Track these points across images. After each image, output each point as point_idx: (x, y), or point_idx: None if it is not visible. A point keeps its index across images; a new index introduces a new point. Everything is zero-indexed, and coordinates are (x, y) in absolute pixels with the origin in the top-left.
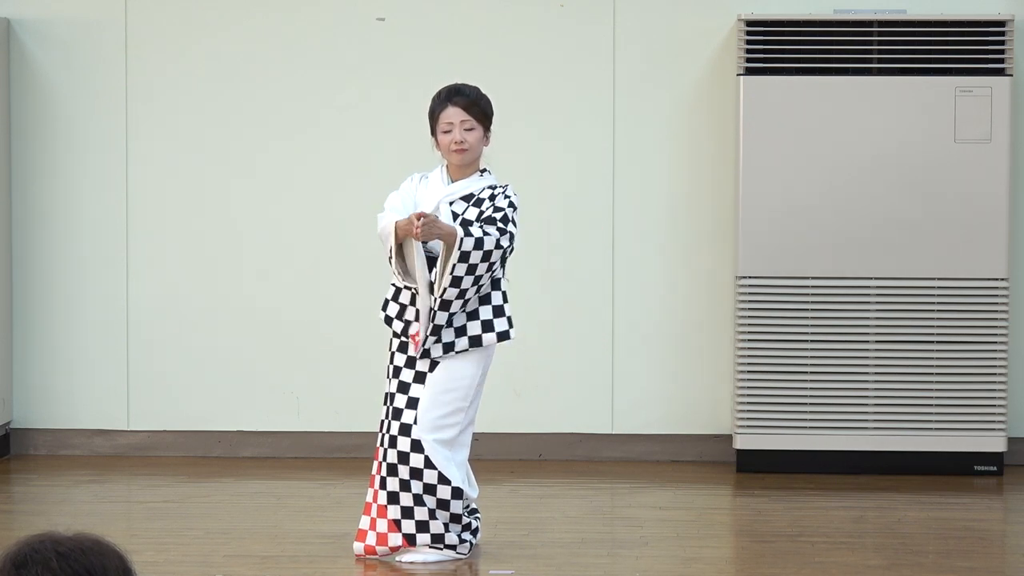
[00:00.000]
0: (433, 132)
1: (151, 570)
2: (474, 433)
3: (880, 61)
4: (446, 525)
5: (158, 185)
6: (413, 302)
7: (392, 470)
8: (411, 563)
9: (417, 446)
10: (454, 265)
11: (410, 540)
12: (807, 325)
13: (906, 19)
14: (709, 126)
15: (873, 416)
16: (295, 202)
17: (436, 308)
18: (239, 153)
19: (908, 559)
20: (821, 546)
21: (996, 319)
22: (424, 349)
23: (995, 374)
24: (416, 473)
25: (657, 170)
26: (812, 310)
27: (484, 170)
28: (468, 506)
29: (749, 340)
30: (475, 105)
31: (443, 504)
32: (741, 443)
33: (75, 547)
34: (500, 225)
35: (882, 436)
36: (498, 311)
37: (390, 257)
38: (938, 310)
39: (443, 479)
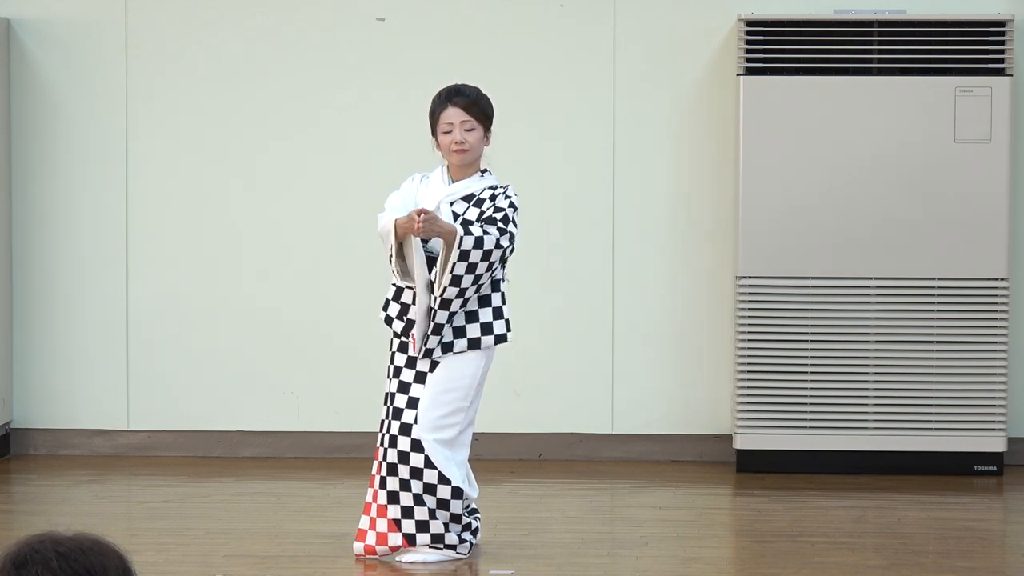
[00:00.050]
0: (433, 132)
1: (151, 570)
2: (474, 433)
3: (880, 61)
4: (446, 525)
5: (158, 185)
6: (415, 302)
7: (392, 470)
8: (411, 563)
9: (417, 446)
10: (454, 264)
11: (410, 540)
12: (807, 325)
13: (906, 19)
14: (709, 126)
15: (873, 416)
16: (295, 202)
17: (436, 307)
18: (239, 153)
19: (908, 559)
20: (821, 546)
21: (996, 319)
22: (426, 348)
23: (995, 374)
24: (416, 473)
25: (657, 170)
26: (812, 310)
27: (485, 170)
28: (468, 506)
29: (749, 340)
30: (475, 105)
31: (443, 504)
32: (741, 443)
33: (75, 547)
34: (500, 225)
35: (882, 436)
36: (497, 313)
37: (390, 256)
38: (938, 310)
39: (443, 479)
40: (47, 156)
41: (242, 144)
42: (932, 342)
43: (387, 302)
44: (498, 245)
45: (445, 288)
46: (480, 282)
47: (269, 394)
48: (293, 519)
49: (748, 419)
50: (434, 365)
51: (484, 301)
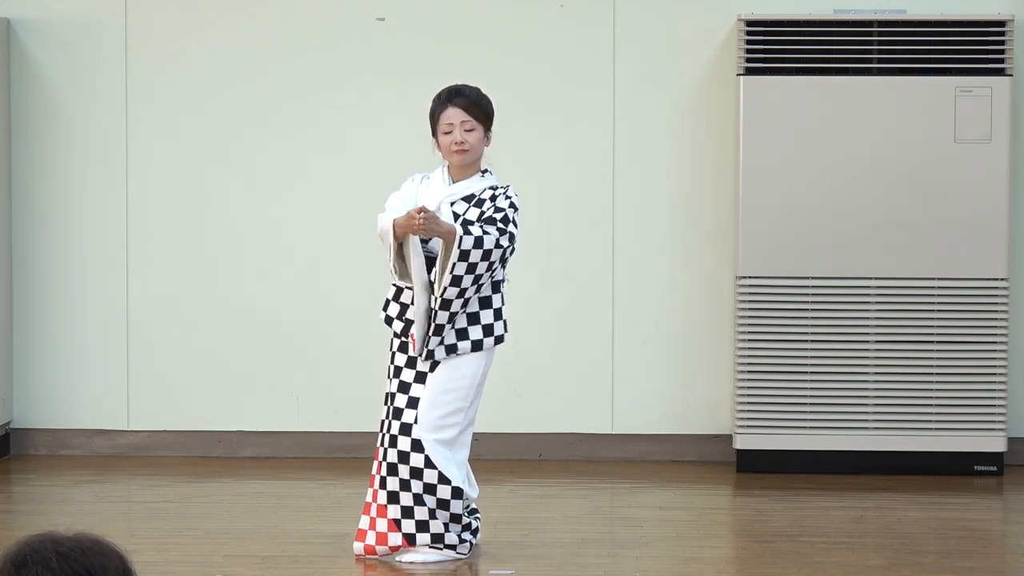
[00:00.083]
0: (434, 133)
1: (151, 570)
2: (474, 433)
3: (880, 61)
4: (446, 525)
5: (158, 185)
6: (413, 302)
7: (392, 469)
8: (411, 563)
9: (417, 446)
10: (454, 264)
11: (410, 540)
12: (807, 325)
13: (906, 19)
14: (709, 126)
15: (873, 416)
16: (295, 202)
17: (437, 308)
18: (239, 153)
19: (908, 559)
20: (821, 546)
21: (996, 319)
22: (428, 350)
23: (995, 374)
24: (416, 473)
25: (657, 170)
26: (812, 310)
27: (486, 171)
28: (468, 506)
29: (749, 340)
30: (475, 106)
31: (443, 504)
32: (741, 443)
33: (75, 547)
34: (500, 225)
35: (882, 436)
36: (497, 314)
37: (389, 257)
38: (938, 310)
39: (443, 479)
40: (47, 156)
41: (242, 144)
42: (932, 342)
43: (387, 302)
44: (498, 245)
45: (445, 288)
46: (480, 282)
47: (269, 394)
48: (293, 519)
49: (748, 419)
50: (434, 365)
51: (485, 303)
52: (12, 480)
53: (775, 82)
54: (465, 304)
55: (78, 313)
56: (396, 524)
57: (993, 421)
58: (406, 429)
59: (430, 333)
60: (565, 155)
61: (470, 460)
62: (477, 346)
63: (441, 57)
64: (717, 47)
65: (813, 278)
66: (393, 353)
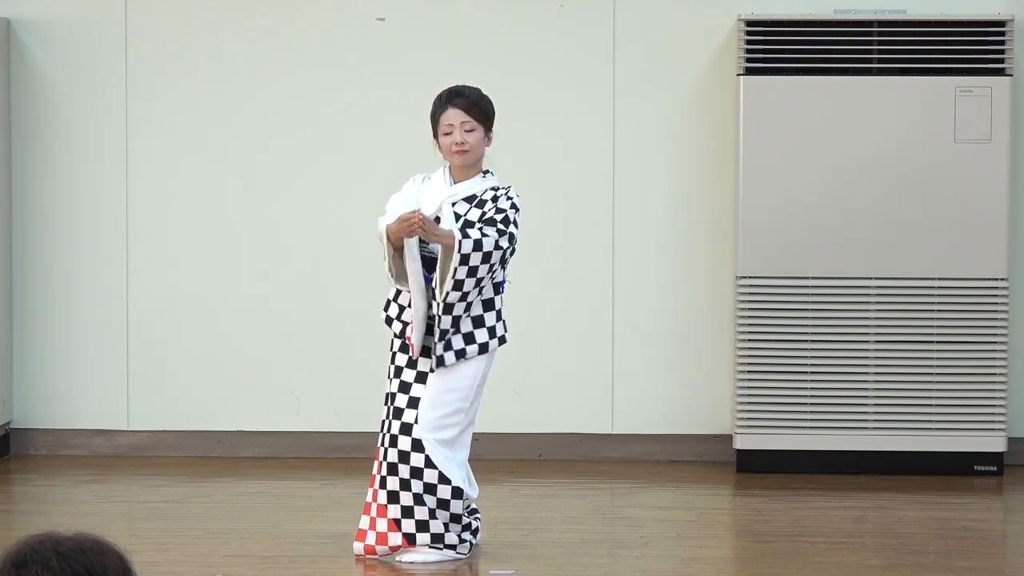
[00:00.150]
0: (435, 134)
1: (151, 570)
2: (474, 433)
3: (880, 61)
4: (446, 525)
5: (158, 185)
6: (411, 304)
7: (392, 469)
8: (411, 563)
9: (418, 445)
10: (456, 268)
11: (410, 539)
12: (807, 325)
13: (906, 19)
14: (709, 126)
15: (873, 416)
16: (295, 202)
17: (440, 313)
18: (239, 153)
19: (908, 559)
20: (821, 546)
21: (996, 319)
22: (438, 357)
23: (995, 374)
24: (416, 472)
25: (657, 170)
26: (812, 310)
27: (487, 171)
28: (468, 506)
29: (749, 340)
30: (476, 107)
31: (443, 504)
32: (741, 443)
33: (75, 547)
34: (500, 227)
35: (882, 436)
36: (498, 315)
37: (386, 262)
38: (938, 310)
39: (443, 479)
40: (47, 156)
41: (242, 144)
42: (932, 342)
43: (388, 302)
44: (497, 246)
45: (448, 293)
46: (482, 284)
47: (269, 394)
48: (293, 519)
49: (748, 419)
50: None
51: (488, 305)
52: (12, 480)
53: (775, 82)
54: (468, 308)
55: (78, 313)
56: (396, 524)
57: (993, 421)
58: (407, 429)
59: (436, 340)
60: (565, 155)
61: (470, 460)
62: (483, 348)
63: (441, 57)
64: (717, 47)
65: (813, 278)
66: (394, 353)
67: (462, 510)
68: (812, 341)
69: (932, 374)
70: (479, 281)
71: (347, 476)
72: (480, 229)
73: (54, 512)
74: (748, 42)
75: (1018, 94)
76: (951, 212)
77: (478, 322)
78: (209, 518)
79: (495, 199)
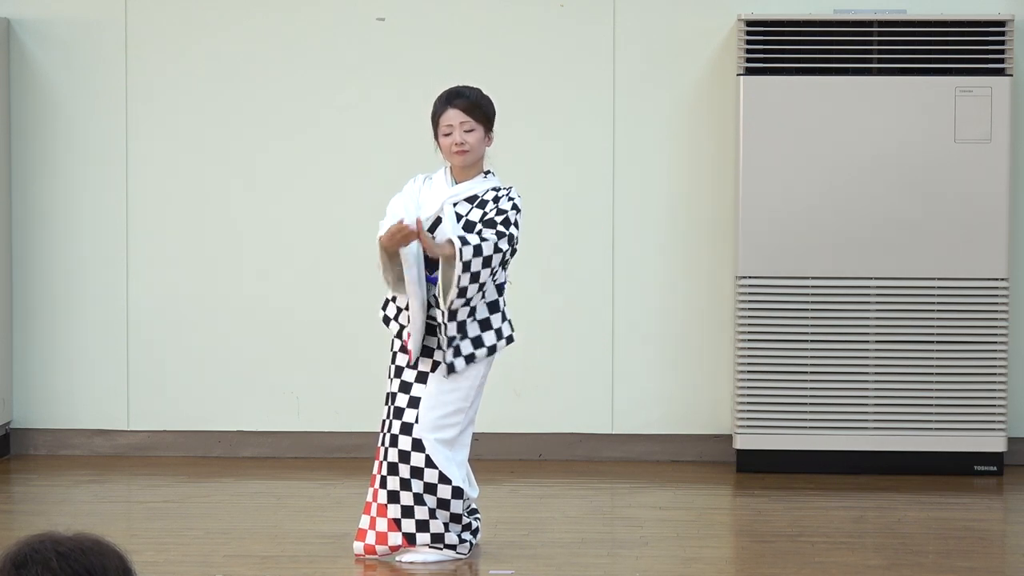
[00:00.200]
0: (436, 135)
1: (151, 570)
2: (474, 433)
3: (880, 61)
4: (446, 525)
5: (158, 185)
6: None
7: (393, 469)
8: (411, 563)
9: (418, 445)
10: (459, 276)
11: (410, 539)
12: (807, 325)
13: (906, 19)
14: (709, 126)
15: (873, 416)
16: (295, 202)
17: (445, 321)
18: (239, 153)
19: (908, 559)
20: (821, 546)
21: (996, 319)
22: (447, 364)
23: (995, 374)
24: (417, 472)
25: (657, 170)
26: (812, 310)
27: (488, 172)
28: (468, 506)
29: (749, 340)
30: (476, 107)
31: (443, 504)
32: (741, 443)
33: (75, 547)
34: (500, 228)
35: (882, 436)
36: (504, 315)
37: (381, 271)
38: (938, 310)
39: (444, 478)
40: (47, 156)
41: (242, 144)
42: (932, 342)
43: (386, 301)
44: (497, 249)
45: (452, 301)
46: (484, 288)
47: (269, 394)
48: (293, 519)
49: (748, 419)
50: (436, 365)
51: (493, 307)
52: (12, 480)
53: (775, 82)
54: (472, 312)
55: (78, 313)
56: (396, 524)
57: (993, 421)
58: (407, 428)
59: (445, 347)
60: (565, 155)
61: (470, 460)
62: (492, 350)
63: (441, 57)
64: (717, 47)
65: (813, 278)
66: (394, 353)
67: (462, 510)
68: (812, 341)
69: (932, 374)
70: (481, 285)
71: (347, 476)
72: (479, 233)
73: (54, 512)
74: (748, 42)
75: (1018, 94)
76: (951, 212)
77: (485, 325)
78: (209, 518)
79: (496, 199)
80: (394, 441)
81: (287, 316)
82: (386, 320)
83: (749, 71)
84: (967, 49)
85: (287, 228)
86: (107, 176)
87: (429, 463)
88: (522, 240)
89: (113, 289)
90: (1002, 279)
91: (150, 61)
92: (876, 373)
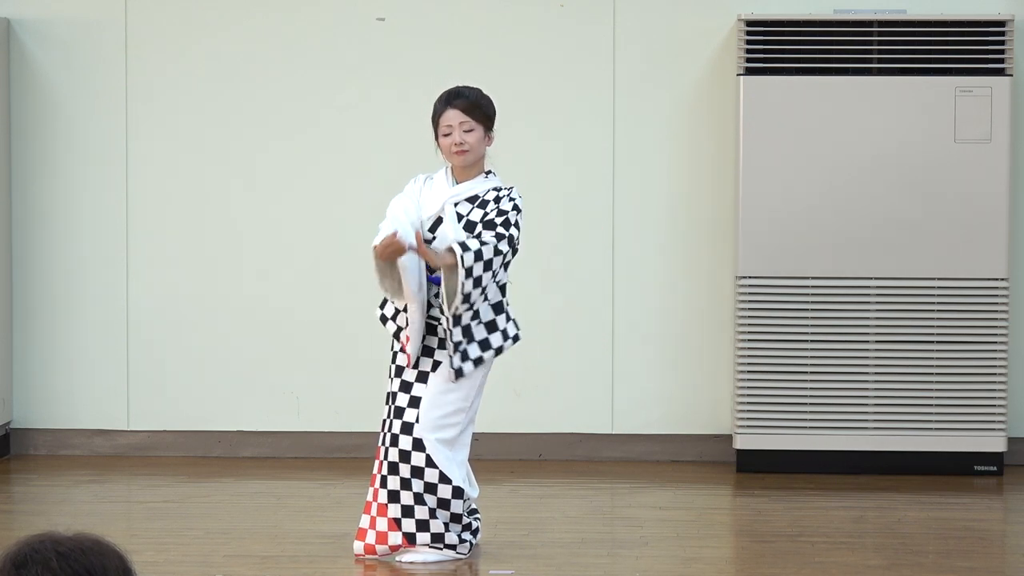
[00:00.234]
0: (436, 136)
1: (151, 570)
2: (474, 433)
3: (880, 61)
4: (446, 524)
5: (158, 185)
6: (406, 310)
7: (393, 468)
8: (411, 563)
9: (419, 445)
10: (463, 283)
11: (410, 539)
12: (807, 325)
13: (906, 19)
14: (709, 126)
15: (873, 416)
16: (295, 202)
17: (451, 327)
18: (239, 153)
19: (908, 559)
20: (821, 546)
21: (996, 319)
22: (455, 369)
23: (995, 374)
24: (417, 472)
25: (657, 170)
26: (812, 310)
27: (489, 172)
28: (469, 506)
29: (749, 340)
30: (476, 107)
31: (444, 503)
32: (741, 443)
33: (75, 547)
34: (500, 230)
35: (882, 436)
36: (508, 316)
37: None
38: (938, 310)
39: (444, 478)
40: (47, 156)
41: (242, 144)
42: (932, 342)
43: (384, 300)
44: (497, 251)
45: (457, 307)
46: (485, 291)
47: (269, 394)
48: (293, 519)
49: (748, 419)
50: (436, 365)
51: (498, 308)
52: (12, 480)
53: (775, 82)
54: (476, 315)
55: (78, 313)
56: (396, 523)
57: (993, 421)
58: (407, 428)
59: (451, 352)
60: (565, 155)
61: (470, 460)
62: (499, 351)
63: (441, 57)
64: (717, 47)
65: (813, 278)
66: (395, 352)
67: (462, 510)
68: (812, 341)
69: (932, 374)
70: (484, 289)
71: (347, 476)
72: (479, 235)
73: (54, 512)
74: (748, 42)
75: (1018, 94)
76: (951, 212)
77: (491, 327)
78: (209, 518)
79: (498, 200)
80: (394, 440)
81: (287, 316)
82: (383, 319)
83: (749, 71)
84: (967, 49)
85: (287, 228)
86: (107, 176)
87: (429, 463)
88: (522, 240)
89: (113, 289)
90: (1002, 279)
91: (150, 61)
92: (876, 373)
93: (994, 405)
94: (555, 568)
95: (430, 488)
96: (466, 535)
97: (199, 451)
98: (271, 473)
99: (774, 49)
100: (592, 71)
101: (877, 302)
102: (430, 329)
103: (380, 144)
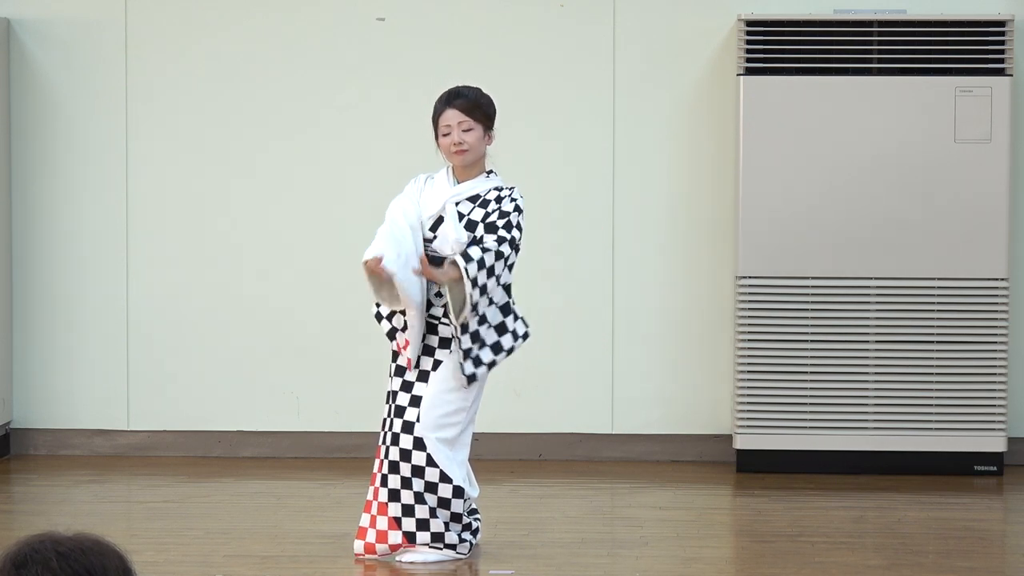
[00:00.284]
0: (436, 136)
1: (151, 570)
2: (474, 433)
3: (880, 61)
4: (446, 524)
5: (158, 185)
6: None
7: (394, 468)
8: (411, 563)
9: (419, 444)
10: (470, 294)
11: (410, 538)
12: (807, 325)
13: (906, 19)
14: (709, 126)
15: (873, 416)
16: (295, 202)
17: (459, 335)
18: (239, 153)
19: (908, 559)
20: (821, 546)
21: (996, 319)
22: (468, 376)
23: (995, 374)
24: (418, 471)
25: (657, 170)
26: (812, 310)
27: (491, 171)
28: (469, 506)
29: (749, 340)
30: (475, 107)
31: (444, 503)
32: (741, 443)
33: (75, 547)
34: (501, 233)
35: (882, 436)
36: (516, 315)
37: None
38: (938, 310)
39: (444, 477)
40: (47, 156)
41: (242, 144)
42: (932, 342)
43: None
44: (499, 255)
45: (465, 317)
46: (491, 295)
47: (269, 394)
48: (293, 519)
49: (748, 419)
50: (437, 364)
51: (505, 309)
52: (12, 480)
53: (775, 82)
54: (483, 320)
55: (78, 313)
56: (396, 522)
57: (993, 421)
58: (408, 427)
59: (462, 359)
60: (565, 155)
61: (470, 460)
62: (510, 352)
63: (441, 57)
64: (717, 47)
65: (813, 278)
66: (395, 352)
67: (463, 509)
68: (812, 341)
69: (932, 374)
70: (490, 296)
71: (347, 476)
72: (480, 241)
73: (54, 512)
74: (748, 42)
75: (1018, 94)
76: (951, 212)
77: (501, 329)
78: (209, 518)
79: (499, 200)
80: (395, 440)
81: (287, 316)
82: (378, 317)
83: (749, 71)
84: (967, 49)
85: (287, 228)
86: (107, 176)
87: (430, 462)
88: (522, 240)
89: (113, 289)
90: (1002, 279)
91: (150, 61)
92: (876, 373)
93: (994, 405)
94: (555, 568)
95: (430, 487)
96: (466, 535)
97: (199, 451)
98: (271, 473)
99: (774, 49)
100: (592, 71)
101: (877, 302)
102: (430, 328)
103: (380, 144)
